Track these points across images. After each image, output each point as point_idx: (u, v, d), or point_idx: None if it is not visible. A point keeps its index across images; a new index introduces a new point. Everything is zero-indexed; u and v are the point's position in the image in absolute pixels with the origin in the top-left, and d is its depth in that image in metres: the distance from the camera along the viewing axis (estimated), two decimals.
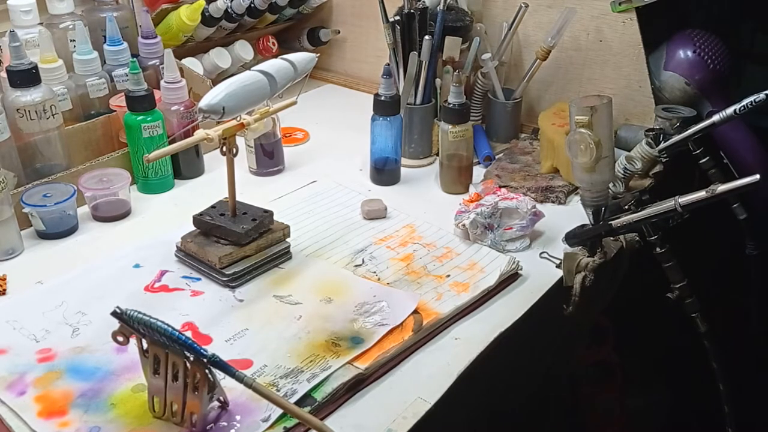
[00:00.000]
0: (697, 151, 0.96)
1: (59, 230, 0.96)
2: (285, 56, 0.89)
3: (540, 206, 0.98)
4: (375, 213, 1.01)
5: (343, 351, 0.75)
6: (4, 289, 0.86)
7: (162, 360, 0.64)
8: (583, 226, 0.89)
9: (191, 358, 0.63)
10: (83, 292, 0.85)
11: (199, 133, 0.81)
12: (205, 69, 1.31)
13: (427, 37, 1.09)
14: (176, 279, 0.87)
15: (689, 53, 1.18)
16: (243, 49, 1.35)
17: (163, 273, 0.88)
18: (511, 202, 0.94)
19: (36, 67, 0.97)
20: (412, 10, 1.12)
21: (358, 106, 1.33)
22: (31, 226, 0.96)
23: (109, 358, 0.74)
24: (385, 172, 1.11)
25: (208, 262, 0.86)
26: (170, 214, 1.03)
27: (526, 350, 0.88)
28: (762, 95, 0.86)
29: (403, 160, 1.14)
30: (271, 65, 0.87)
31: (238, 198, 0.89)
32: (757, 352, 1.18)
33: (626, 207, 0.93)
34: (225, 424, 0.67)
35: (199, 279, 0.87)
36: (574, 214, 1.00)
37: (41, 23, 1.10)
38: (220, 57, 1.32)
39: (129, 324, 0.62)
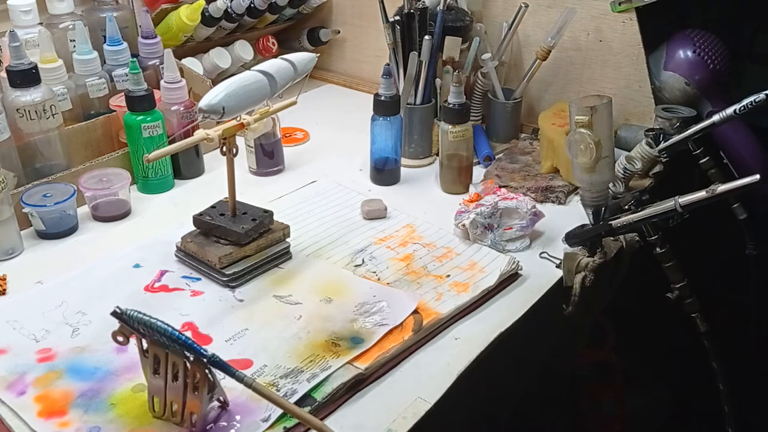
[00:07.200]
0: (697, 151, 0.96)
1: (59, 230, 0.96)
2: (285, 56, 0.89)
3: (540, 206, 0.98)
4: (375, 213, 1.01)
5: (343, 351, 0.75)
6: (4, 289, 0.86)
7: (162, 360, 0.64)
8: (583, 226, 0.89)
9: (191, 358, 0.63)
10: (83, 292, 0.85)
11: (199, 133, 0.81)
12: (205, 69, 1.31)
13: (427, 37, 1.09)
14: (176, 279, 0.87)
15: (689, 53, 1.18)
16: (243, 49, 1.35)
17: (163, 273, 0.88)
18: (511, 202, 0.94)
19: (36, 67, 0.97)
20: (412, 10, 1.12)
21: (358, 106, 1.33)
22: (31, 226, 0.96)
23: (109, 358, 0.74)
24: (385, 172, 1.11)
25: (208, 262, 0.86)
26: (170, 214, 1.03)
27: (526, 350, 0.88)
28: (762, 95, 0.86)
29: (403, 160, 1.14)
30: (271, 65, 0.87)
31: (238, 198, 0.90)
32: (757, 351, 1.18)
33: (626, 207, 0.93)
34: (225, 424, 0.67)
35: (199, 279, 0.87)
36: (574, 214, 1.00)
37: (41, 23, 1.10)
38: (220, 57, 1.32)
39: (129, 324, 0.62)
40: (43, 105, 0.97)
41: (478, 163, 1.15)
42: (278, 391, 0.69)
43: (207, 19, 1.26)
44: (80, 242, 0.96)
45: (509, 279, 0.87)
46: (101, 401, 0.69)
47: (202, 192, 1.08)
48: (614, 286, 0.94)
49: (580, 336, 1.19)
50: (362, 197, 1.05)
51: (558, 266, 0.89)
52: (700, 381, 0.93)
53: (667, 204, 0.77)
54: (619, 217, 0.82)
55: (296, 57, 0.90)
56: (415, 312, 0.81)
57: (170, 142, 0.96)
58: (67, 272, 0.89)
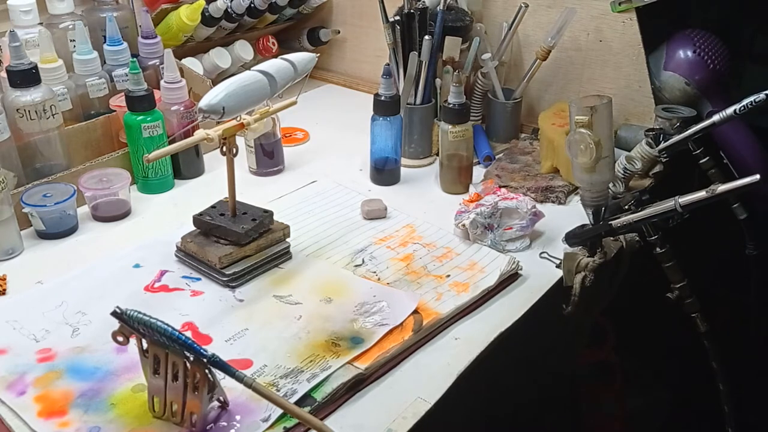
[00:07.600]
0: (697, 151, 0.96)
1: (59, 230, 0.96)
2: (285, 56, 0.89)
3: (540, 206, 0.98)
4: (375, 213, 1.01)
5: (343, 351, 0.75)
6: (4, 289, 0.86)
7: (162, 360, 0.64)
8: (583, 226, 0.89)
9: (191, 358, 0.63)
10: (83, 292, 0.85)
11: (199, 133, 0.81)
12: (205, 69, 1.31)
13: (427, 37, 1.09)
14: (176, 279, 0.87)
15: (689, 53, 1.18)
16: (243, 49, 1.35)
17: (163, 273, 0.88)
18: (511, 202, 0.94)
19: (36, 67, 0.97)
20: (412, 10, 1.12)
21: (358, 106, 1.33)
22: (31, 226, 0.96)
23: (109, 358, 0.74)
24: (385, 172, 1.11)
25: (208, 262, 0.86)
26: (170, 214, 1.03)
27: (526, 350, 0.88)
28: (762, 95, 0.86)
29: (403, 160, 1.14)
30: (271, 65, 0.87)
31: (238, 198, 0.90)
32: (757, 351, 1.18)
33: (626, 207, 0.93)
34: (225, 424, 0.67)
35: (199, 279, 0.87)
36: (574, 214, 1.00)
37: (41, 23, 1.10)
38: (220, 57, 1.32)
39: (129, 324, 0.62)
40: (43, 105, 0.97)
41: (478, 163, 1.15)
42: (278, 391, 0.69)
43: (207, 19, 1.26)
44: (80, 242, 0.96)
45: (509, 279, 0.87)
46: (101, 401, 0.69)
47: (202, 192, 1.08)
48: (614, 286, 0.94)
49: (580, 336, 1.19)
50: (362, 197, 1.05)
51: (558, 266, 0.89)
52: (700, 381, 0.93)
53: (667, 204, 0.77)
54: (619, 217, 0.82)
55: (296, 57, 0.90)
56: (415, 312, 0.81)
57: (170, 142, 0.96)
58: (67, 272, 0.89)
